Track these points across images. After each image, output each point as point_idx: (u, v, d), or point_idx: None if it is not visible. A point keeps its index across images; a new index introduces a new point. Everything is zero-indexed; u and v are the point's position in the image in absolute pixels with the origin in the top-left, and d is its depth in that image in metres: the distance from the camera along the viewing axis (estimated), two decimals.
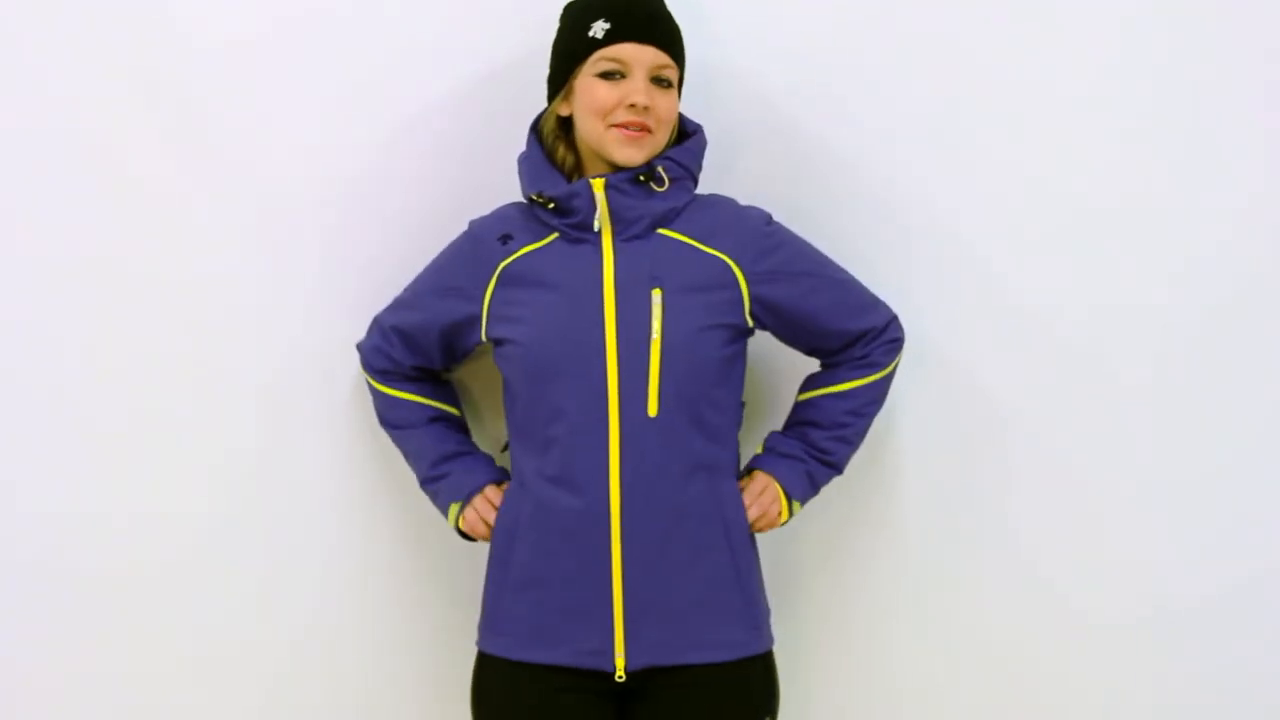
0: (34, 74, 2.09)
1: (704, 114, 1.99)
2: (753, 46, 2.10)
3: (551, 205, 1.87)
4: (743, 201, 1.98)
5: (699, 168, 1.94)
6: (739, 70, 2.09)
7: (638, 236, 1.87)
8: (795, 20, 2.09)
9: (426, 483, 2.03)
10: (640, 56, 1.84)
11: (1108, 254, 2.10)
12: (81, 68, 2.08)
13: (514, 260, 1.90)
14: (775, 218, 1.96)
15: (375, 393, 2.07)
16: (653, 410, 1.83)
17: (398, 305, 2.04)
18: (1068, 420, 2.13)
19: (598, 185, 1.85)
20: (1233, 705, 2.16)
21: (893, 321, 2.00)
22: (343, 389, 2.16)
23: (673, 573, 1.84)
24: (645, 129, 1.85)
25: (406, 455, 2.07)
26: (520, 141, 1.96)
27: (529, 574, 1.87)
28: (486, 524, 1.94)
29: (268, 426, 2.17)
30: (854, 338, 1.96)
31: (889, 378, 1.99)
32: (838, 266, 1.98)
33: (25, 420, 2.14)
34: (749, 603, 1.89)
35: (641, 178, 1.86)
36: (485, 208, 2.01)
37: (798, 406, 2.00)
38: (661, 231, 1.88)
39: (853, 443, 1.99)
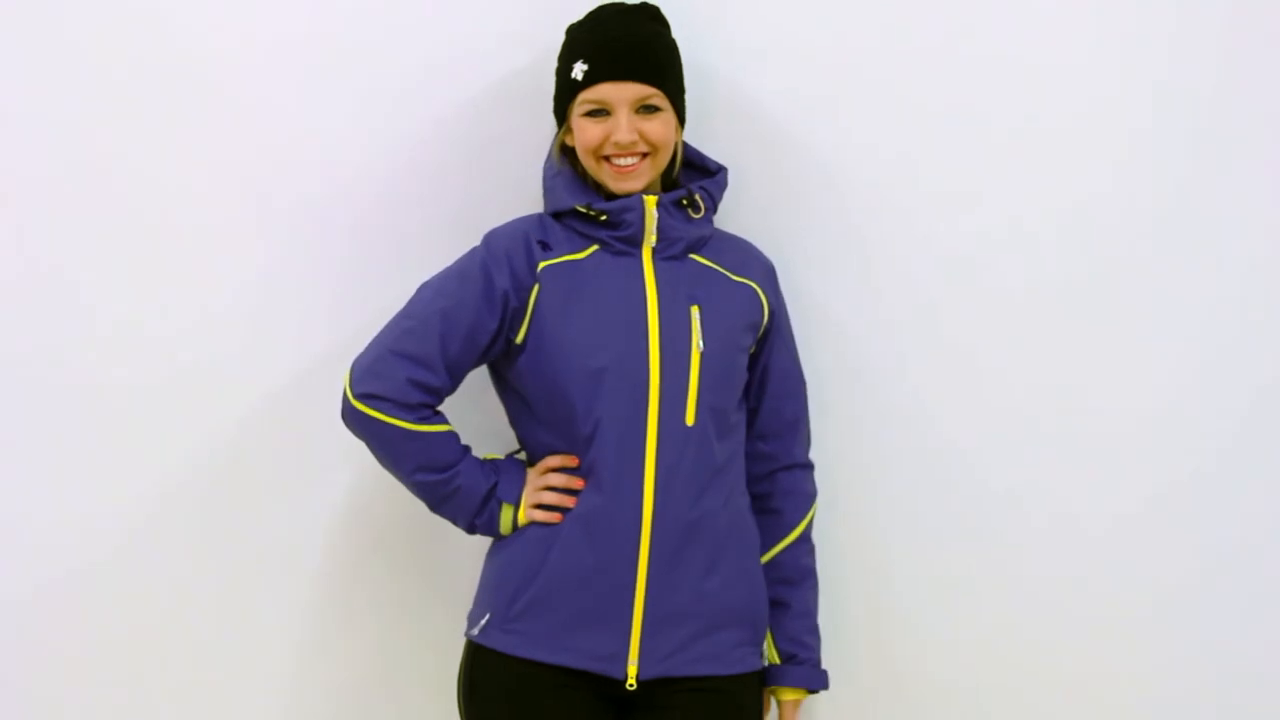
0: (40, 74, 2.11)
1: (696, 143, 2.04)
2: (748, 77, 2.12)
3: (604, 218, 1.92)
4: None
5: (718, 204, 2.01)
6: (733, 101, 2.13)
7: (674, 257, 1.94)
8: (794, 48, 2.12)
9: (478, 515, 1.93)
10: (620, 94, 1.89)
11: (1112, 272, 2.12)
12: (98, 70, 2.10)
13: (555, 264, 1.92)
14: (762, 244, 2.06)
15: (413, 437, 1.89)
16: (690, 420, 1.87)
17: (426, 329, 1.89)
18: (1068, 426, 2.14)
19: (650, 202, 1.91)
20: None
21: (808, 444, 2.06)
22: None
23: (691, 583, 1.86)
24: (639, 158, 1.90)
25: (448, 499, 1.92)
26: (530, 150, 2.04)
27: (550, 575, 1.86)
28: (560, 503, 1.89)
29: (271, 427, 2.17)
30: (785, 425, 2.02)
31: (812, 524, 2.03)
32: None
33: (23, 419, 2.15)
34: (756, 619, 1.92)
35: (684, 202, 1.93)
36: (496, 211, 2.03)
37: (764, 570, 1.99)
38: (694, 257, 1.95)
39: (815, 587, 2.02)
